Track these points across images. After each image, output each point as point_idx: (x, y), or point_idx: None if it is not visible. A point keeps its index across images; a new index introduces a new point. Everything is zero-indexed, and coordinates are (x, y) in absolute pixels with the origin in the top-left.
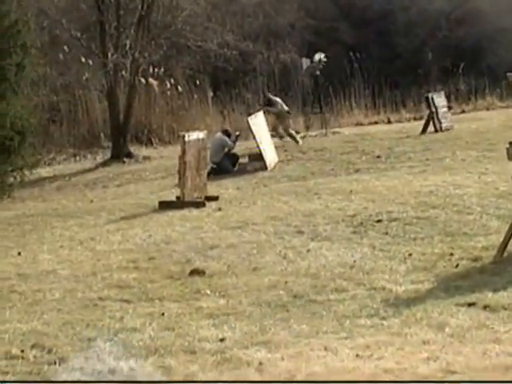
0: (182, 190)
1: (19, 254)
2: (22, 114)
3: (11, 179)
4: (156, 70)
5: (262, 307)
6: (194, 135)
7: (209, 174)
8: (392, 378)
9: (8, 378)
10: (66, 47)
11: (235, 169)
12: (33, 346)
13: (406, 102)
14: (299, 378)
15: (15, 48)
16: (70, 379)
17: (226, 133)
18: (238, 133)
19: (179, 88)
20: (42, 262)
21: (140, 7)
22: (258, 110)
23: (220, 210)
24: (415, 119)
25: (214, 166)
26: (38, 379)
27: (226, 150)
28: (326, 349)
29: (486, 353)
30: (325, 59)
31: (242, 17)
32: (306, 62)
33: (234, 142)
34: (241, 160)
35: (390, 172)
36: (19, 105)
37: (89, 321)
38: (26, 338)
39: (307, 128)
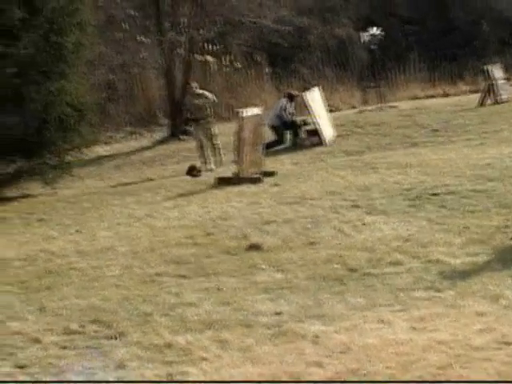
0: (239, 166)
1: (78, 231)
2: (79, 92)
3: (69, 157)
4: (212, 46)
5: (317, 281)
6: (250, 111)
7: (267, 147)
8: (446, 350)
9: (68, 352)
10: (122, 26)
11: (288, 142)
12: (92, 322)
13: (463, 75)
14: (354, 349)
15: (72, 26)
16: (128, 354)
17: (290, 96)
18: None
19: (236, 64)
20: (101, 239)
21: None
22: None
23: (277, 185)
24: (472, 92)
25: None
26: (96, 354)
27: (285, 114)
28: (380, 321)
29: None
30: (381, 33)
31: None
32: (363, 36)
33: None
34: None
35: (446, 145)
36: (77, 83)
37: (146, 296)
38: (85, 314)
39: (364, 102)
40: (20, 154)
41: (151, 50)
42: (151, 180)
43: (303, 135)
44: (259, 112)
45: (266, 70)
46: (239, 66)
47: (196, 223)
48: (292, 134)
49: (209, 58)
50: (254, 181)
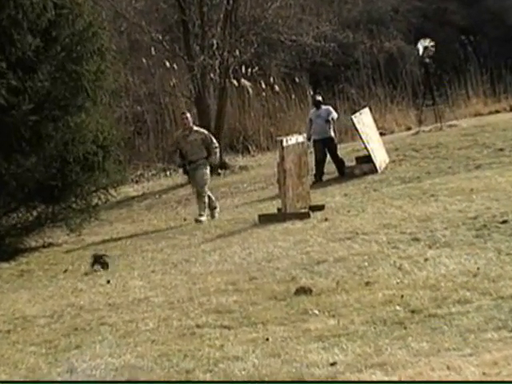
0: (283, 200)
1: (108, 282)
2: (103, 127)
3: (96, 200)
4: (248, 69)
5: (376, 325)
6: (293, 139)
7: (315, 180)
8: None
9: None
10: (148, 52)
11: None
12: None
13: None
14: None
15: (91, 53)
16: None
17: (319, 103)
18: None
19: (275, 88)
20: (133, 290)
21: (226, 1)
22: None
23: (326, 220)
24: None
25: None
26: None
27: (332, 122)
28: (448, 368)
29: None
30: (432, 45)
31: (339, 4)
32: (416, 49)
33: None
34: (347, 163)
35: None
36: (100, 116)
37: (186, 351)
38: (119, 374)
39: (420, 122)
40: (41, 198)
41: (181, 77)
42: (187, 221)
43: (353, 162)
44: (303, 140)
45: (309, 92)
46: (279, 89)
47: (238, 267)
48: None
49: (245, 82)
50: (301, 216)
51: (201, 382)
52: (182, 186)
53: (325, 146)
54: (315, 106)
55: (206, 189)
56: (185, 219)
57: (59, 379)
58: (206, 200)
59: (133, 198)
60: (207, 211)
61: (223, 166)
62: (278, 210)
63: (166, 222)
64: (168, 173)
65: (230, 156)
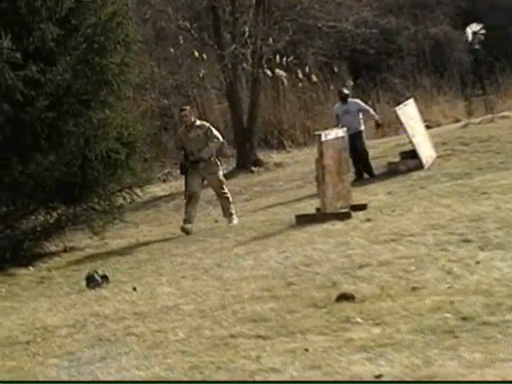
0: (322, 200)
1: (134, 289)
2: (127, 122)
3: (120, 200)
4: (283, 58)
5: (424, 334)
6: (332, 133)
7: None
8: None
9: None
10: (175, 41)
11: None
12: None
13: None
14: None
15: (115, 44)
16: None
17: (346, 97)
18: None
19: (312, 78)
20: (162, 297)
21: None
22: None
23: (369, 220)
24: None
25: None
26: None
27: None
28: (503, 380)
29: None
30: (481, 30)
31: None
32: (465, 34)
33: None
34: (390, 159)
35: None
36: (124, 111)
37: (219, 363)
38: None
39: (469, 114)
40: (61, 199)
41: (211, 67)
42: (218, 222)
43: (397, 158)
44: (343, 134)
45: (349, 82)
46: (316, 79)
47: (274, 272)
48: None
49: (280, 72)
50: (342, 217)
51: (202, 381)
52: None
53: (353, 142)
54: (342, 100)
55: (226, 188)
56: (216, 221)
57: None
58: (231, 197)
59: (160, 198)
60: (234, 210)
61: (257, 162)
62: (317, 210)
63: (195, 224)
64: None
65: (264, 152)
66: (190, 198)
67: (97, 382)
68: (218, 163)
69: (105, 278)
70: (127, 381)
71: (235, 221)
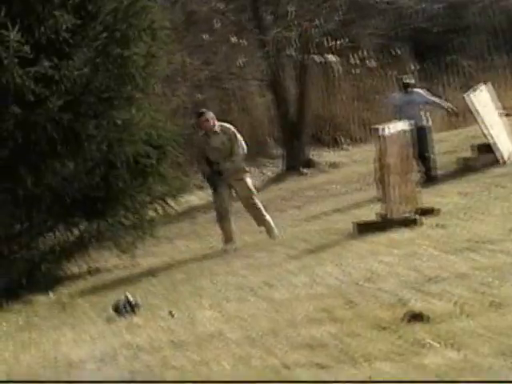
0: (385, 204)
1: (171, 314)
2: (157, 122)
3: (151, 213)
4: (334, 42)
5: (507, 357)
6: (394, 127)
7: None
8: None
9: None
10: (208, 25)
11: None
12: None
13: None
14: None
15: (140, 32)
16: None
17: (408, 86)
18: None
19: (369, 63)
20: (203, 323)
21: None
22: None
23: (440, 226)
24: None
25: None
26: None
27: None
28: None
29: None
30: None
31: None
32: None
33: None
34: (462, 154)
35: None
36: (152, 109)
37: None
38: None
39: None
40: (83, 213)
41: (251, 55)
42: (263, 233)
43: (469, 153)
44: (407, 127)
45: (412, 66)
46: (374, 64)
47: (332, 290)
48: None
49: (331, 57)
50: (408, 223)
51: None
52: (257, 189)
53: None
54: (404, 89)
55: (256, 199)
56: (261, 232)
57: None
58: (263, 208)
59: (196, 208)
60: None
61: (308, 163)
62: (379, 216)
63: (239, 237)
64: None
65: (316, 151)
66: (222, 216)
67: (97, 382)
68: (246, 168)
69: (135, 302)
70: (128, 381)
71: (276, 231)
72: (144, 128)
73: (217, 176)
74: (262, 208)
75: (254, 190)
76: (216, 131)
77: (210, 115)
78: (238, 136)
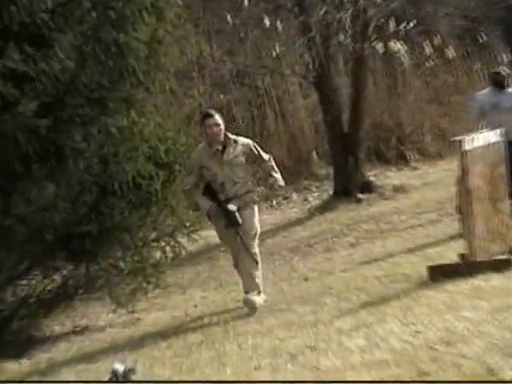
0: (468, 241)
1: None
2: (164, 131)
3: (157, 253)
4: (400, 26)
5: None
6: (480, 138)
7: None
8: None
9: None
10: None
11: None
12: None
13: None
14: None
15: (140, 11)
16: None
17: (500, 83)
18: None
19: (446, 53)
20: None
21: None
22: None
23: None
24: None
25: None
26: None
27: None
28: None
29: None
30: None
31: None
32: None
33: None
34: None
35: None
36: (159, 114)
37: None
38: None
39: None
40: (67, 253)
41: (290, 43)
42: (308, 281)
43: None
44: (498, 139)
45: (503, 57)
46: (453, 54)
47: (398, 356)
48: None
49: (396, 46)
50: (499, 266)
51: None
52: (298, 222)
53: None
54: (496, 86)
55: (256, 240)
56: (306, 279)
57: None
58: (259, 258)
59: (217, 247)
60: (261, 280)
61: (366, 186)
62: (461, 257)
63: (274, 284)
64: (274, 202)
65: (377, 170)
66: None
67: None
68: (256, 194)
69: (128, 369)
70: (128, 381)
71: (261, 298)
72: (147, 140)
73: (224, 208)
74: (259, 257)
75: (258, 228)
76: (228, 141)
77: (219, 120)
78: (262, 151)
